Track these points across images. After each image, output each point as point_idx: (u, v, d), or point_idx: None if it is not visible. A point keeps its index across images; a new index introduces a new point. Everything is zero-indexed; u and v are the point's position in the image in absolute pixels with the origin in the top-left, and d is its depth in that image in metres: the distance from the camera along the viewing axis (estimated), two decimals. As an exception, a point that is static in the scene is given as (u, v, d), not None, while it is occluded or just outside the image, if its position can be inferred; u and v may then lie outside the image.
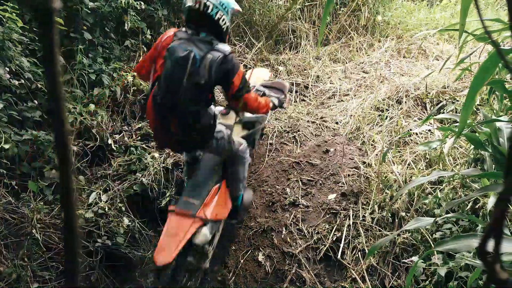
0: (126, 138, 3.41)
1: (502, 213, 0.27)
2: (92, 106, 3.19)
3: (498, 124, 1.81)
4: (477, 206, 2.44)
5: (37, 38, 2.97)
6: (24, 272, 2.23)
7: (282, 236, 2.84)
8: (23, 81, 2.80)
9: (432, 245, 2.35)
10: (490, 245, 0.30)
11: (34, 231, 2.38)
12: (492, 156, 1.77)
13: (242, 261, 2.76)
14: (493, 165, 2.03)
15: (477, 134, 1.95)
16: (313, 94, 4.60)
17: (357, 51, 5.44)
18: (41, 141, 2.74)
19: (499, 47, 1.16)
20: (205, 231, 2.22)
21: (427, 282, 2.22)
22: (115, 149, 3.28)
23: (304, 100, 4.52)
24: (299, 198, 3.09)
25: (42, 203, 2.60)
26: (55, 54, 0.26)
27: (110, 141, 3.28)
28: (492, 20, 1.60)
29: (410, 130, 3.46)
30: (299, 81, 4.73)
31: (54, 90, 0.26)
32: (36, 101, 2.87)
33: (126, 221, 2.80)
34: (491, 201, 2.04)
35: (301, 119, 4.05)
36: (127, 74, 3.65)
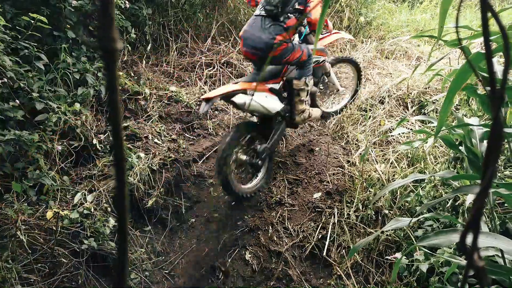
0: (111, 138, 3.38)
1: (479, 209, 0.30)
2: (76, 106, 3.15)
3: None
4: (457, 203, 2.53)
5: (19, 37, 2.93)
6: (8, 274, 2.20)
7: (269, 234, 2.87)
8: (5, 80, 2.75)
9: (414, 242, 2.42)
10: (469, 239, 0.34)
11: (18, 232, 2.35)
12: (467, 157, 1.84)
13: (229, 260, 2.78)
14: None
15: (451, 135, 2.01)
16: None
17: (340, 51, 5.51)
18: (24, 141, 2.70)
19: (468, 57, 1.22)
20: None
21: (410, 278, 2.29)
22: (100, 149, 3.25)
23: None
24: (285, 197, 3.13)
25: (26, 204, 2.57)
26: (116, 87, 0.29)
27: (94, 141, 3.25)
28: (461, 27, 1.65)
29: (388, 131, 3.53)
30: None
31: (115, 116, 0.29)
32: (18, 101, 2.82)
33: (112, 221, 2.78)
34: (469, 199, 2.11)
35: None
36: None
